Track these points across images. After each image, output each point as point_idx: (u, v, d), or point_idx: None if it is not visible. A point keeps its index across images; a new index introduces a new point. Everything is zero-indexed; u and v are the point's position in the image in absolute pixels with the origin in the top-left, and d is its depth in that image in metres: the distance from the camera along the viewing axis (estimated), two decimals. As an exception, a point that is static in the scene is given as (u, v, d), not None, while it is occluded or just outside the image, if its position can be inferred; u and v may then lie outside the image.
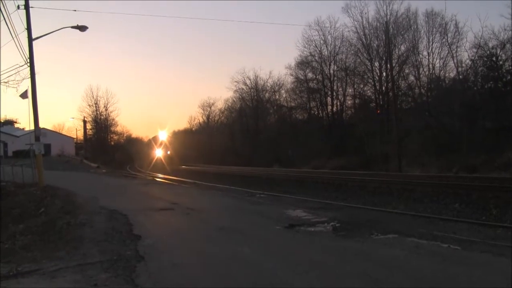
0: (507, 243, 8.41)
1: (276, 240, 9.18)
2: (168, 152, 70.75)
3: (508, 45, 37.78)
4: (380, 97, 52.34)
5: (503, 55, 38.28)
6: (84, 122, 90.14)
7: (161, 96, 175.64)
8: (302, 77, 62.00)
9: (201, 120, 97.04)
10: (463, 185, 19.75)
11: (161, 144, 70.10)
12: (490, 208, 13.86)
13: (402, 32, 49.75)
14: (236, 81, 76.61)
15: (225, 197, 18.79)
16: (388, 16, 50.39)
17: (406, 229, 9.86)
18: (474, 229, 10.15)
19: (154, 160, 69.96)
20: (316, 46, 59.09)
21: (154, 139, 73.23)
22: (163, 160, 66.10)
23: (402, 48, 50.22)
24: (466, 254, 7.60)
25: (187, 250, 8.49)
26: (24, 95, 25.58)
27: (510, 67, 37.93)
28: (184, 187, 25.53)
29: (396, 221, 11.54)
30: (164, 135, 73.04)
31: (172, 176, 40.34)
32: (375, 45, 52.12)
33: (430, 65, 47.99)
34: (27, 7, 24.30)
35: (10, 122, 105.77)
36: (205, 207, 14.86)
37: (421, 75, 48.75)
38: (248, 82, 75.55)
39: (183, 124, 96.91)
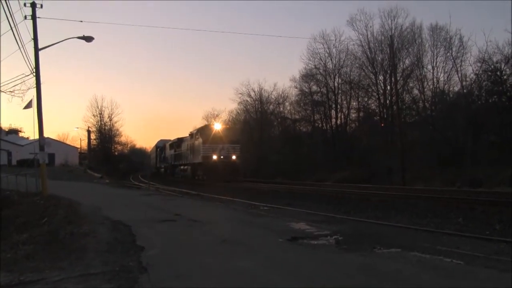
0: (510, 258, 8.37)
1: (279, 253, 9.16)
2: (234, 157, 44.63)
3: (512, 60, 37.87)
4: (384, 110, 52.48)
5: (507, 69, 38.42)
6: (89, 132, 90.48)
7: (165, 107, 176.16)
8: (307, 90, 62.17)
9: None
10: (467, 199, 19.72)
11: (214, 140, 43.83)
12: (493, 222, 13.81)
13: (407, 46, 49.99)
14: (240, 93, 76.54)
15: (228, 209, 18.78)
16: (393, 30, 50.67)
17: (409, 243, 9.84)
18: (478, 244, 10.10)
19: (200, 169, 46.16)
20: (321, 59, 59.30)
21: (203, 132, 45.87)
22: (218, 167, 43.16)
23: (407, 61, 50.55)
24: (470, 269, 7.58)
25: (190, 261, 8.49)
26: (28, 106, 25.71)
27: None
28: (186, 198, 25.50)
29: (399, 235, 11.53)
30: (219, 127, 45.84)
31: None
32: (379, 58, 52.34)
33: (435, 79, 48.26)
34: (34, 17, 24.52)
35: (14, 131, 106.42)
36: (208, 219, 14.83)
37: (425, 89, 49.03)
38: (252, 94, 75.52)
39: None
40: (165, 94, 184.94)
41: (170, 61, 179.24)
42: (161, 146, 71.73)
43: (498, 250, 9.35)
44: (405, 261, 8.13)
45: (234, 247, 9.82)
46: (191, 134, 50.65)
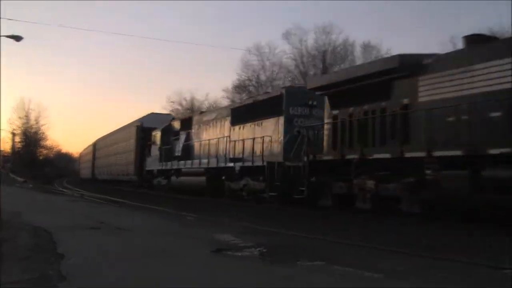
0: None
1: (203, 264, 9.13)
2: None
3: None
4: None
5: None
6: (13, 134, 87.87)
7: (95, 112, 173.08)
8: (238, 101, 62.44)
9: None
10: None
11: None
12: (420, 237, 14.13)
13: (339, 62, 51.26)
14: (172, 101, 76.58)
15: (155, 218, 18.58)
16: (326, 46, 51.70)
17: (333, 257, 9.96)
18: (399, 258, 10.30)
19: None
20: (254, 71, 60.13)
21: None
22: None
23: (338, 77, 51.57)
24: (389, 281, 7.75)
25: (112, 270, 8.34)
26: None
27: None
28: (112, 206, 25.10)
29: (324, 249, 11.66)
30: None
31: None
32: (311, 73, 53.32)
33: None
34: (-42, 13, 23.66)
35: None
36: (133, 227, 14.62)
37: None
38: (184, 103, 75.84)
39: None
40: (95, 100, 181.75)
41: (102, 66, 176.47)
42: (165, 127, 39.69)
43: (425, 264, 9.55)
44: (327, 273, 8.25)
45: (158, 257, 9.69)
46: None
